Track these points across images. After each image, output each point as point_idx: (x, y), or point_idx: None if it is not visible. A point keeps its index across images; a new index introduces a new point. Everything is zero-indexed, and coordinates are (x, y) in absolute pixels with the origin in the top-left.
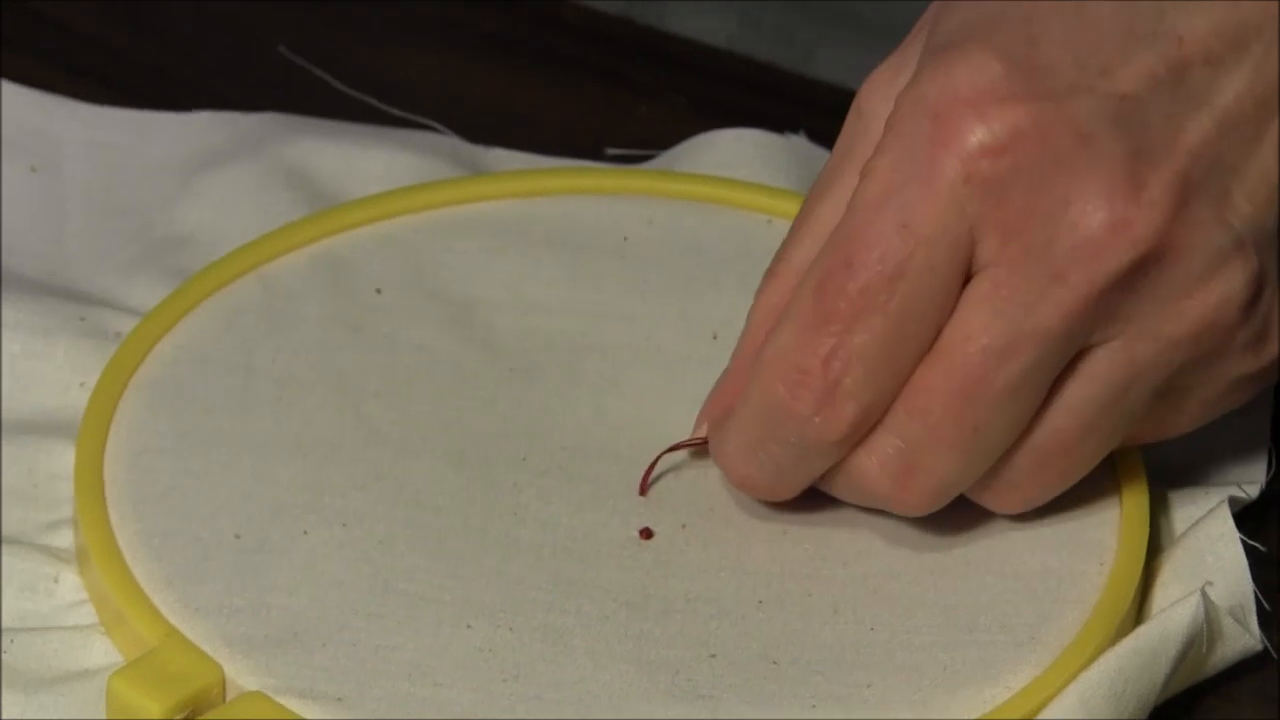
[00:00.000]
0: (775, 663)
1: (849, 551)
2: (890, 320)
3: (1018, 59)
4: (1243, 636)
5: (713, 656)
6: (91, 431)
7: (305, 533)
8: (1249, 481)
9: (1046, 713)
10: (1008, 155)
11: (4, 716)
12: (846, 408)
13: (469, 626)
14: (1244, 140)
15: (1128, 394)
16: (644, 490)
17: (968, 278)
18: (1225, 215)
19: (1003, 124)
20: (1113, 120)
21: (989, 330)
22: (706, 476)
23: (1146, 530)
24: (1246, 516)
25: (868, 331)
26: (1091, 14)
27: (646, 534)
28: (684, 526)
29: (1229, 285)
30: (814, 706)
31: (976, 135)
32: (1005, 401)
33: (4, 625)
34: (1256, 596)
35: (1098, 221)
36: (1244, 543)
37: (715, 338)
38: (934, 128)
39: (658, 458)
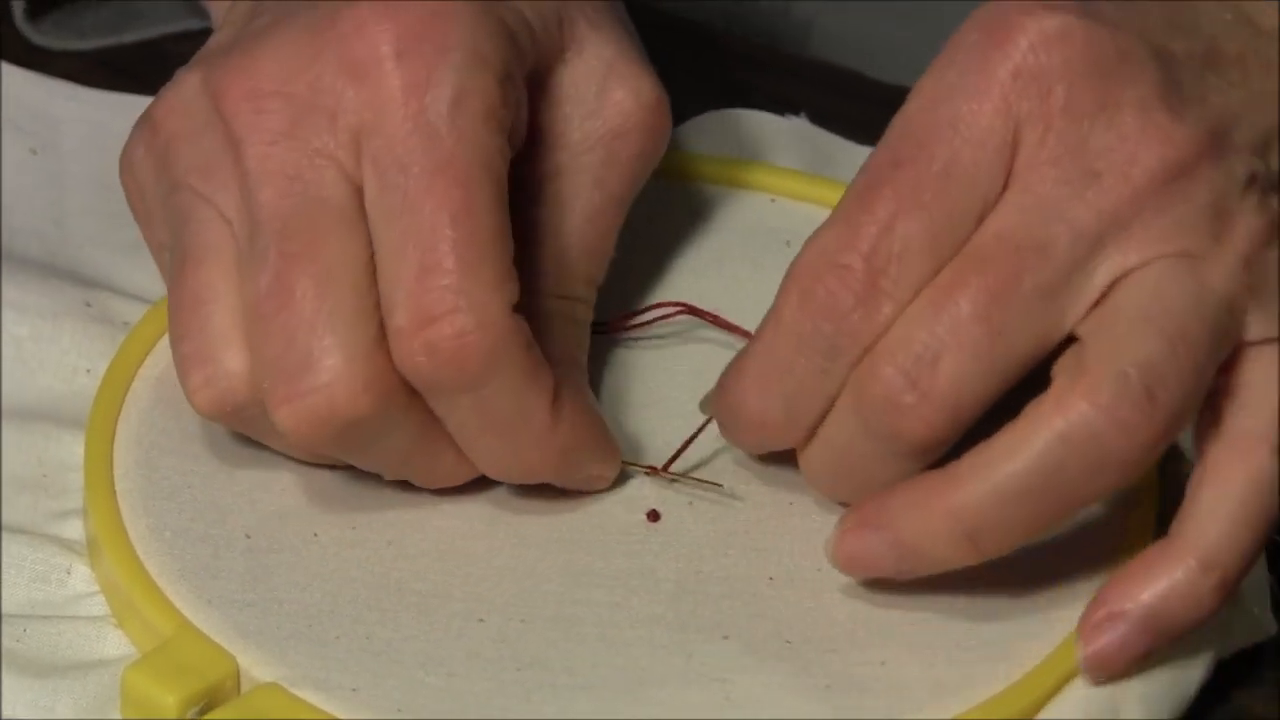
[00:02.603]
0: (788, 642)
1: None
2: (935, 218)
3: None
4: (1258, 620)
5: (725, 638)
6: (101, 426)
7: (315, 535)
8: None
9: (1071, 690)
10: (1055, 50)
11: (19, 704)
12: (885, 305)
13: (481, 620)
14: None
15: (1203, 301)
16: (666, 467)
17: (1007, 183)
18: (1251, 163)
19: (1052, 23)
20: (1152, 55)
21: (1023, 227)
22: (711, 451)
23: (1156, 508)
24: None
25: (912, 228)
26: (1139, 5)
27: (654, 516)
28: (690, 504)
29: (1258, 218)
30: (828, 686)
31: (1027, 34)
32: (1035, 305)
33: (18, 614)
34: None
35: (1134, 125)
36: None
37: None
38: (985, 35)
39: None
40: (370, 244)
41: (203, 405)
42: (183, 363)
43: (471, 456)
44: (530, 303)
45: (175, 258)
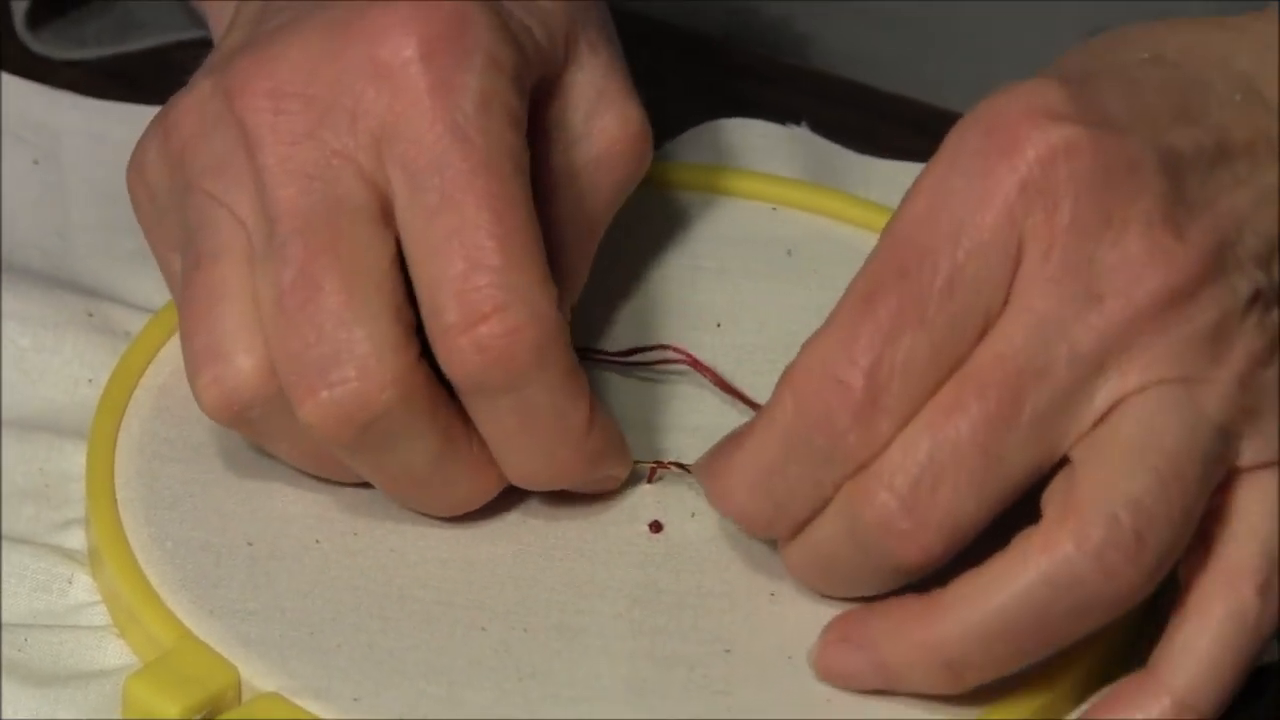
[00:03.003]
0: (790, 657)
1: None
2: (937, 333)
3: (1078, 91)
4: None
5: (727, 652)
6: (102, 436)
7: (317, 542)
8: None
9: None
10: (1063, 165)
11: (20, 713)
12: (882, 424)
13: (483, 629)
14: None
15: (1198, 433)
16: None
17: (1008, 297)
18: (1255, 277)
19: (1060, 135)
20: (1160, 161)
21: (1024, 349)
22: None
23: None
24: None
25: (915, 344)
26: (1145, 87)
27: (656, 527)
28: (694, 515)
29: (1257, 339)
30: (829, 700)
31: (1035, 145)
32: (1034, 431)
33: (19, 623)
34: None
35: (1138, 245)
36: None
37: (719, 326)
38: (991, 140)
39: (667, 465)
40: (391, 246)
41: (210, 403)
42: (192, 360)
43: (503, 461)
44: None
45: (188, 257)
